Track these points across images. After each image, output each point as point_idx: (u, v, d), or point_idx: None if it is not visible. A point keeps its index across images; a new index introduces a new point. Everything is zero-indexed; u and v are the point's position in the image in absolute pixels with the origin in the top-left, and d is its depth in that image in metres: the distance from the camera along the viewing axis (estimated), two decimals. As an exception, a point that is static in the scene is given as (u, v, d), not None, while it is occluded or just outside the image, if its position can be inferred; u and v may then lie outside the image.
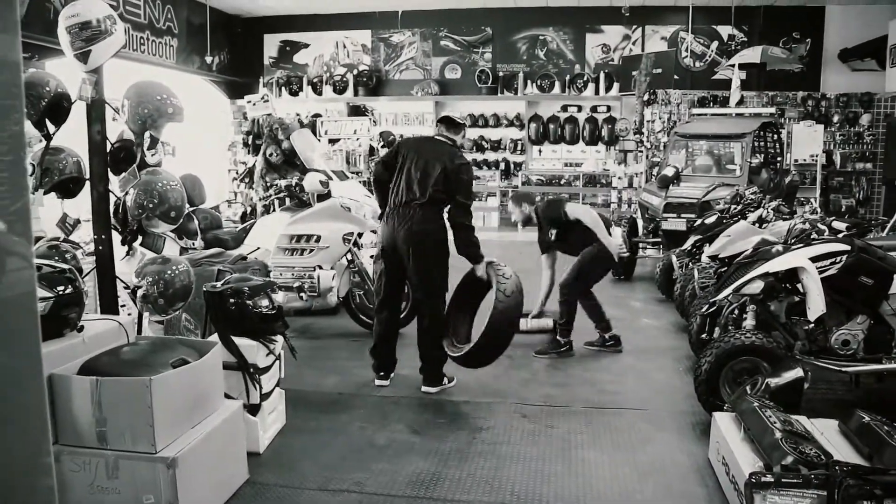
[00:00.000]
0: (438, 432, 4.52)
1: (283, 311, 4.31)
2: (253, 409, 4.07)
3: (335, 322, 7.23)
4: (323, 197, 6.74)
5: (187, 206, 4.42)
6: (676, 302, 6.95)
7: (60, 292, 3.37)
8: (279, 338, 4.36)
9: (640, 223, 9.87)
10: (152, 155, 4.25)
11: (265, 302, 4.18)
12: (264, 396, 4.16)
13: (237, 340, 4.06)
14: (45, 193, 4.09)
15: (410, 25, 14.84)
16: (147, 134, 4.09)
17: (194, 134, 10.93)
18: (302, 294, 6.56)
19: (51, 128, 4.02)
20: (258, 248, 6.38)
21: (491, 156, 14.70)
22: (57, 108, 3.98)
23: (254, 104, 9.86)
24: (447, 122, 5.37)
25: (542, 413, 4.87)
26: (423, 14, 14.59)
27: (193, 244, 5.85)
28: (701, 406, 4.57)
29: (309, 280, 6.57)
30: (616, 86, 13.85)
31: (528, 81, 14.36)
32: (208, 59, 14.04)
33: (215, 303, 4.13)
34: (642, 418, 4.78)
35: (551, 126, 14.37)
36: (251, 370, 4.03)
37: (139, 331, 4.07)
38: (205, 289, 4.20)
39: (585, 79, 14.03)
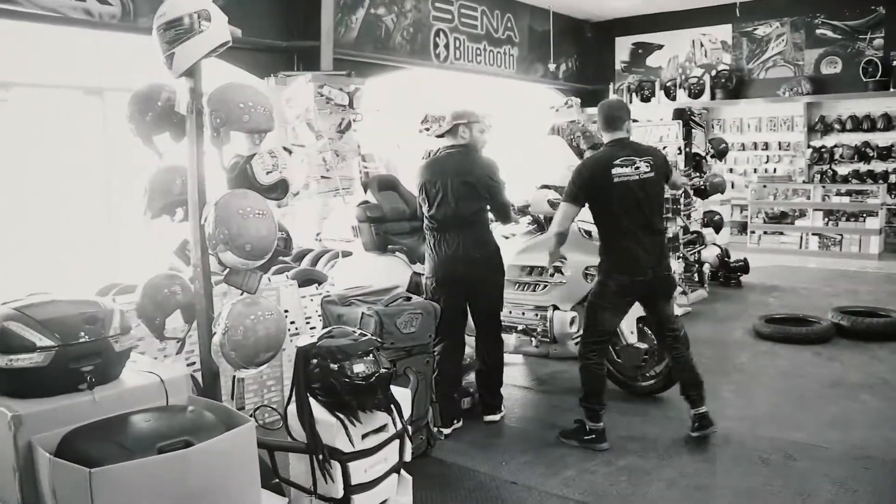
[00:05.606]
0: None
1: (383, 380, 3.31)
2: (333, 505, 3.16)
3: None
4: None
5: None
6: None
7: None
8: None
9: None
10: (267, 174, 3.58)
11: (360, 367, 3.24)
12: (356, 488, 3.23)
13: (317, 414, 3.19)
14: (152, 218, 3.65)
15: (779, 14, 12.52)
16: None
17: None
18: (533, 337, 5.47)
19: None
20: None
21: (878, 166, 11.73)
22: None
23: (557, 110, 8.95)
24: None
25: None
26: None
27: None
28: None
29: (542, 322, 5.43)
30: None
31: (934, 71, 11.13)
32: (551, 67, 13.40)
33: (298, 361, 3.30)
34: None
35: (968, 128, 11.01)
36: (323, 454, 3.12)
37: (200, 388, 3.40)
38: (296, 345, 3.39)
39: None
